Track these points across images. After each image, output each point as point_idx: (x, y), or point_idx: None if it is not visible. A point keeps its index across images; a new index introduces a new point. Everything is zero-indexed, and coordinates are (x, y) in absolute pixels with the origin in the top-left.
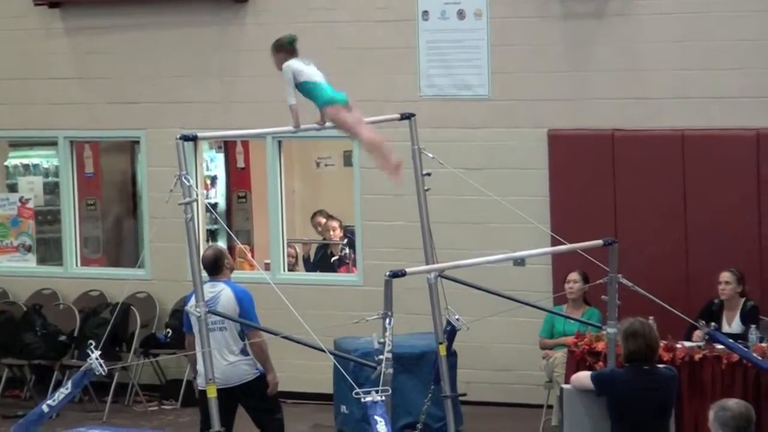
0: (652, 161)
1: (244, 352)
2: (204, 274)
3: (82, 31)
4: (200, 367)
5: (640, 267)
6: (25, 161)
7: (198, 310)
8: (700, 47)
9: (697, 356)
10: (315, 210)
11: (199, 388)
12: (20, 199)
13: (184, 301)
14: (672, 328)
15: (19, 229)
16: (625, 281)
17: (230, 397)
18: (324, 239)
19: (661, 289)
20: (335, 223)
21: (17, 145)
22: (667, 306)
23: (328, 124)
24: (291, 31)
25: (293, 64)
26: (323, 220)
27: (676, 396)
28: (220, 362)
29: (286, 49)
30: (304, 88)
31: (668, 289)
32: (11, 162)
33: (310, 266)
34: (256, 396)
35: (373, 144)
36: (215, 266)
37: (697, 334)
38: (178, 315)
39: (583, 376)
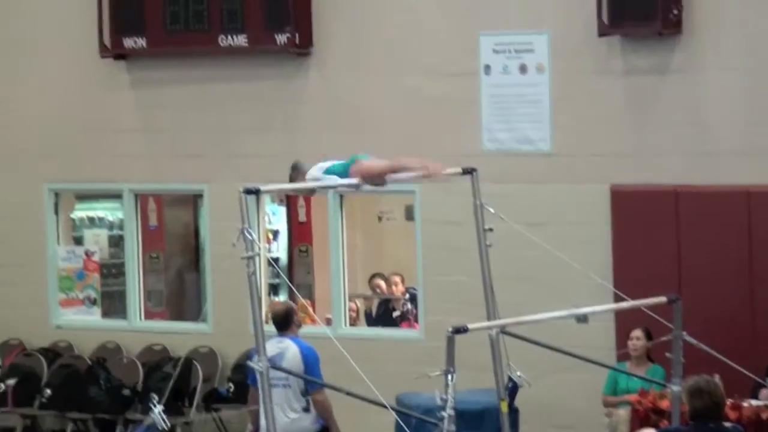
0: (717, 217)
1: (306, 409)
2: (270, 328)
3: (147, 84)
4: (263, 421)
5: (704, 324)
6: (91, 214)
7: (260, 364)
8: (765, 103)
9: (764, 415)
10: (375, 268)
11: None
12: (86, 252)
13: (249, 353)
14: (738, 386)
15: (84, 282)
16: (689, 339)
17: None
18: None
19: (727, 347)
20: (397, 278)
21: (83, 197)
22: (732, 364)
23: (367, 187)
24: (353, 83)
25: (312, 170)
26: (381, 283)
27: None
28: (282, 418)
29: (299, 170)
30: (328, 173)
31: (734, 346)
32: (77, 214)
33: (372, 321)
34: None
35: (412, 166)
36: (285, 322)
37: (764, 392)
38: (241, 369)
39: None
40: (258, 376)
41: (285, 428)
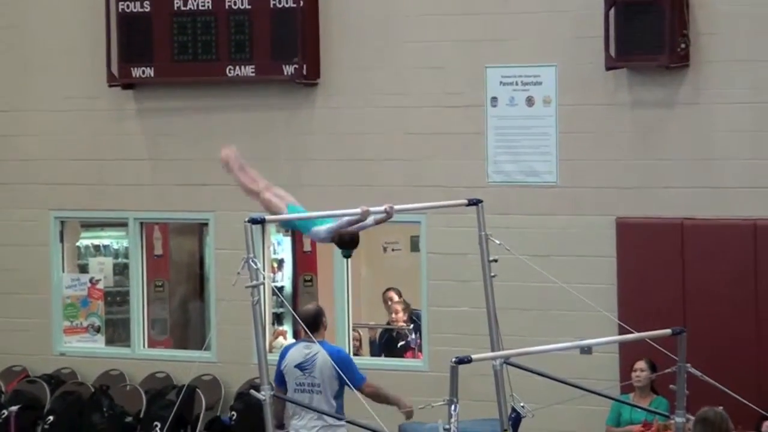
0: (723, 251)
1: (339, 412)
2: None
3: (154, 113)
4: (296, 424)
5: (709, 356)
6: (96, 242)
7: (263, 394)
8: None
9: None
10: (379, 299)
11: None
12: (90, 280)
13: (281, 354)
14: (743, 418)
15: (88, 309)
16: (693, 371)
17: None
18: (388, 323)
19: (731, 379)
20: (398, 306)
21: (89, 225)
22: (737, 396)
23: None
24: (360, 114)
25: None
26: (395, 297)
27: None
28: (311, 424)
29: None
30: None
31: (738, 378)
32: (83, 242)
33: (377, 349)
34: None
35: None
36: (314, 323)
37: (767, 425)
38: (244, 398)
39: None
40: (289, 381)
41: None
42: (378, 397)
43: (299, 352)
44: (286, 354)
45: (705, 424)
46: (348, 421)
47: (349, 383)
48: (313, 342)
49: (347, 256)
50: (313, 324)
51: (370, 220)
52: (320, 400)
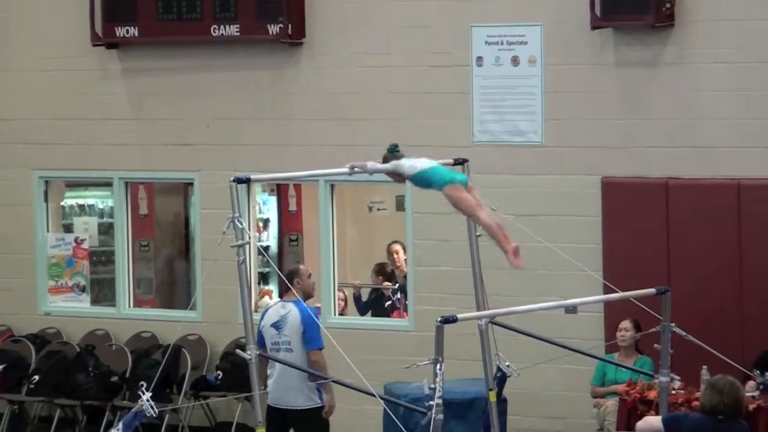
0: (707, 210)
1: (310, 376)
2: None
3: (138, 73)
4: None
5: (693, 316)
6: (81, 201)
7: (249, 353)
8: (757, 96)
9: (751, 406)
10: (364, 258)
11: (269, 404)
12: (75, 240)
13: (261, 314)
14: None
15: (73, 269)
16: (678, 330)
17: (284, 419)
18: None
19: (715, 339)
20: (398, 246)
21: (73, 185)
22: (720, 355)
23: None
24: (345, 73)
25: (405, 162)
26: (400, 251)
27: None
28: (284, 382)
29: (393, 155)
30: (421, 177)
31: (722, 338)
32: (67, 202)
33: (362, 306)
34: (309, 427)
35: (491, 228)
36: (289, 281)
37: (751, 384)
38: (229, 357)
39: (654, 420)
40: (249, 364)
41: (285, 393)
42: (320, 370)
43: (275, 311)
44: (265, 313)
45: (714, 390)
46: (334, 381)
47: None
48: (290, 302)
49: (393, 148)
50: (287, 282)
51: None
52: (293, 358)
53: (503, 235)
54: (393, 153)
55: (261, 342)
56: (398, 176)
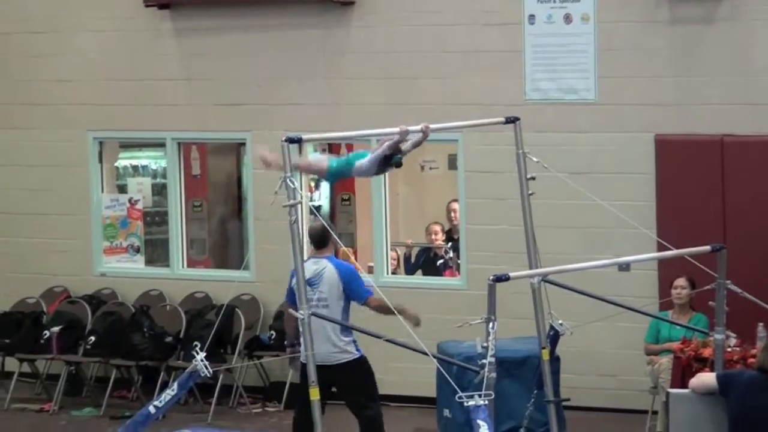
0: (763, 167)
1: (345, 329)
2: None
3: (190, 33)
4: (309, 365)
5: (749, 273)
6: (135, 162)
7: (302, 313)
8: None
9: None
10: (417, 217)
11: (301, 360)
12: (129, 200)
13: (291, 271)
14: None
15: (128, 230)
16: (733, 287)
17: (326, 376)
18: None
19: None
20: (437, 227)
21: (127, 146)
22: None
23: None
24: (396, 32)
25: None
26: (438, 230)
27: None
28: (321, 341)
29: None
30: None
31: None
32: (121, 163)
33: (410, 267)
34: (350, 381)
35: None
36: (322, 239)
37: None
38: (283, 317)
39: (707, 377)
40: (300, 325)
41: (322, 350)
42: (383, 309)
43: (308, 268)
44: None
45: None
46: (388, 340)
47: (353, 297)
48: (322, 258)
49: (399, 164)
50: (320, 240)
51: (408, 145)
52: (328, 314)
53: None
54: (395, 162)
55: (292, 299)
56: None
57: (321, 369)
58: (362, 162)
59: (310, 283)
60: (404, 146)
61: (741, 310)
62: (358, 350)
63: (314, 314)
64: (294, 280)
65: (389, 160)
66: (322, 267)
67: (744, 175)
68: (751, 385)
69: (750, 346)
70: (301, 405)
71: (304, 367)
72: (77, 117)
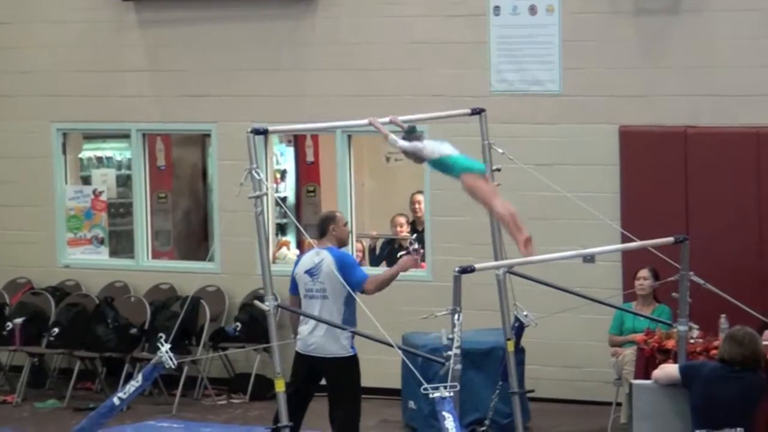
0: (726, 159)
1: (346, 321)
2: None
3: (155, 24)
4: (301, 329)
5: (711, 265)
6: (99, 153)
7: (267, 304)
8: None
9: None
10: (382, 209)
11: (296, 350)
12: (93, 192)
13: (295, 261)
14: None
15: (92, 221)
16: (696, 279)
17: (315, 367)
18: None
19: (734, 288)
20: (402, 219)
21: (91, 137)
22: (739, 304)
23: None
24: (362, 24)
25: (426, 144)
26: (421, 199)
27: (759, 403)
28: (317, 331)
29: (413, 135)
30: (441, 162)
31: (740, 287)
32: (85, 154)
33: (375, 258)
34: (337, 377)
35: (504, 217)
36: (321, 227)
37: None
38: (248, 309)
39: (670, 368)
40: (301, 287)
41: (318, 341)
42: (382, 283)
43: (310, 258)
44: (299, 261)
45: (732, 341)
46: (353, 332)
47: (347, 286)
48: (323, 248)
49: (413, 129)
50: (321, 228)
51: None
52: (328, 305)
53: (516, 225)
54: (412, 133)
55: (294, 289)
56: (417, 157)
57: (313, 359)
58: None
59: (311, 273)
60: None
61: (704, 301)
62: (352, 347)
63: (280, 306)
64: (296, 269)
65: (411, 137)
66: (321, 258)
67: (707, 166)
68: (713, 377)
69: (713, 338)
70: (293, 390)
71: (296, 355)
72: (40, 108)
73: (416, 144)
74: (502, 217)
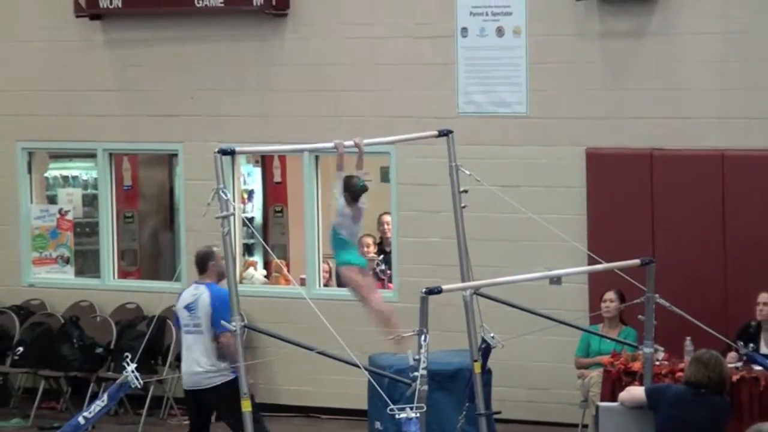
0: (691, 181)
1: (221, 357)
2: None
3: (122, 44)
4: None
5: (677, 287)
6: (65, 173)
7: (234, 324)
8: (740, 67)
9: (735, 377)
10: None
11: (184, 388)
12: (59, 211)
13: (178, 296)
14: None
15: (57, 240)
16: (662, 301)
17: (202, 400)
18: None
19: (699, 310)
20: (369, 240)
21: (57, 156)
22: (704, 326)
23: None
24: (330, 44)
25: (345, 208)
26: (369, 241)
27: (725, 425)
28: (192, 365)
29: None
30: (333, 234)
31: (706, 309)
32: (51, 173)
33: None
34: (224, 403)
35: (382, 313)
36: (200, 264)
37: (733, 354)
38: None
39: (636, 391)
40: (234, 336)
41: (196, 374)
42: (230, 353)
43: (189, 293)
44: (181, 296)
45: (698, 364)
46: (320, 353)
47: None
48: (202, 284)
49: (364, 187)
50: (200, 265)
51: (358, 164)
52: (203, 341)
53: (389, 321)
54: (360, 190)
55: (177, 323)
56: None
57: (195, 393)
58: (339, 203)
59: (189, 308)
60: (356, 168)
61: (669, 323)
62: (233, 372)
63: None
64: (177, 304)
65: (354, 188)
66: (200, 293)
67: (673, 188)
68: (679, 399)
69: (678, 360)
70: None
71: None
72: (5, 127)
73: (342, 200)
74: (381, 312)
